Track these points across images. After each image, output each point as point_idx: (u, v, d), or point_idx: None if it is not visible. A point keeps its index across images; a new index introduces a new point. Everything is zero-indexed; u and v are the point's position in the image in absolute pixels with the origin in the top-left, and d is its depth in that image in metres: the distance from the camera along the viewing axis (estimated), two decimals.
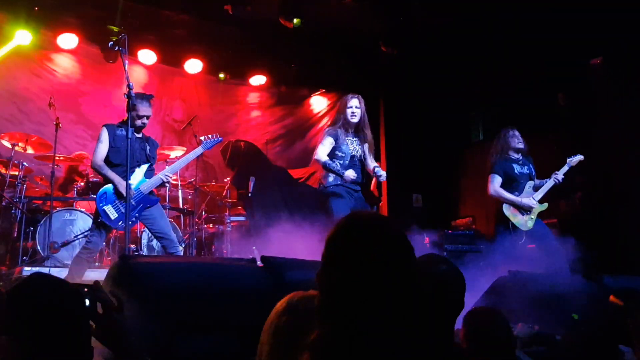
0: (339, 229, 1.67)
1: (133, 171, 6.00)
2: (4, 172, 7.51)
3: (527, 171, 6.85)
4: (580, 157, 6.85)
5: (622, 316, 2.80)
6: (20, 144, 7.72)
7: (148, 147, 6.29)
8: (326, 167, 6.39)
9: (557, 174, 6.78)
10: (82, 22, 9.07)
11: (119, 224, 5.96)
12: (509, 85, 9.10)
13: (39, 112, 8.99)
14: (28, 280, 1.87)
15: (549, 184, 6.75)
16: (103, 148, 6.03)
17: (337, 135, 6.41)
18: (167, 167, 6.56)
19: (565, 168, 6.82)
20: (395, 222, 1.71)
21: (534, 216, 6.67)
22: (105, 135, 6.06)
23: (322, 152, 6.38)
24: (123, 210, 5.85)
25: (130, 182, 5.79)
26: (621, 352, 2.94)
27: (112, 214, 5.93)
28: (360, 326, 1.53)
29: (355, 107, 6.46)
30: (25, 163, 7.61)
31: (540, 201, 6.73)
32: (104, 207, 5.93)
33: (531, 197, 6.69)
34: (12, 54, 8.98)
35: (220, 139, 6.75)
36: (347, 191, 6.38)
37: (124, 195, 5.75)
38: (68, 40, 9.20)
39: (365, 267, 1.57)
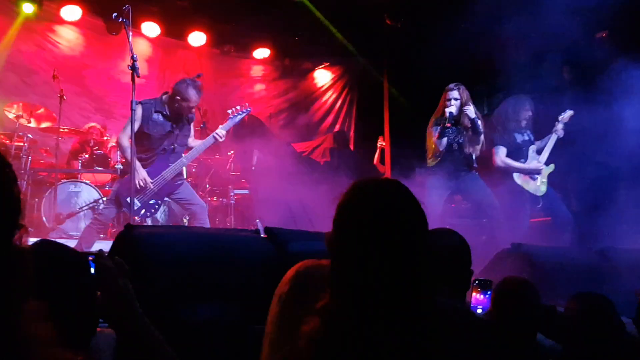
0: (350, 193, 1.62)
1: (160, 156, 5.93)
2: (9, 143, 7.52)
3: (528, 137, 6.82)
4: (570, 112, 6.78)
5: None
6: (24, 115, 7.72)
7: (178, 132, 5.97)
8: None
9: (556, 129, 6.74)
10: None
11: (141, 212, 5.92)
12: (514, 58, 9.03)
13: (43, 84, 8.98)
14: (35, 246, 1.86)
15: (551, 140, 6.72)
16: (134, 127, 5.46)
17: None
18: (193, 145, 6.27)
19: (560, 124, 6.75)
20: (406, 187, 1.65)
21: (544, 179, 6.66)
22: (139, 114, 5.64)
23: None
24: (146, 200, 5.85)
25: (150, 169, 5.84)
26: (623, 323, 2.96)
27: (135, 204, 5.81)
28: (372, 291, 1.51)
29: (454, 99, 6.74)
30: (29, 135, 7.62)
31: (547, 163, 6.70)
32: (127, 197, 5.64)
33: (536, 160, 6.67)
34: (16, 25, 8.95)
35: (249, 109, 6.40)
36: None
37: (137, 186, 5.70)
38: (72, 12, 9.17)
39: (377, 231, 1.53)
